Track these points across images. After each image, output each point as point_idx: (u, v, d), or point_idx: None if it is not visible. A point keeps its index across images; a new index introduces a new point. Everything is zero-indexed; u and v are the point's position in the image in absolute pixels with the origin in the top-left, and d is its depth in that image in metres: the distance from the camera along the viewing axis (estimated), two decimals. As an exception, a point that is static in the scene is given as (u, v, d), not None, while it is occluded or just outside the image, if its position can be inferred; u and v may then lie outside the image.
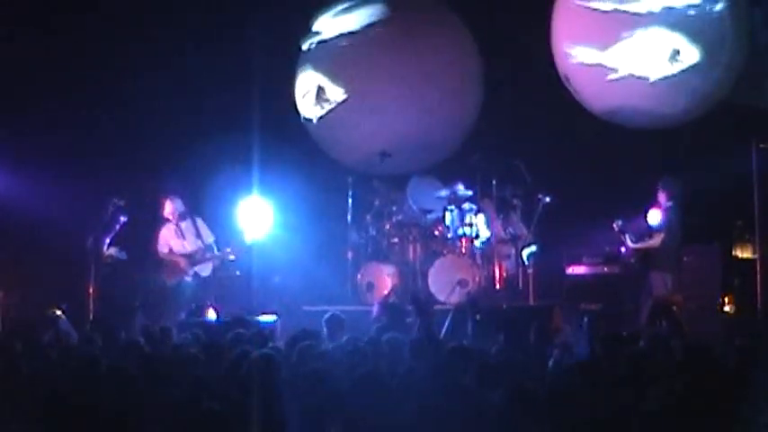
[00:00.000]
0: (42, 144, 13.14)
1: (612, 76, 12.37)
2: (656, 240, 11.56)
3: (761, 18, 12.21)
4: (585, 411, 5.75)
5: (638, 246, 11.64)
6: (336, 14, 14.35)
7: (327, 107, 14.24)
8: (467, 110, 14.13)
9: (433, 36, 13.99)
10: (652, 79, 12.28)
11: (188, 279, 12.28)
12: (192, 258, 12.30)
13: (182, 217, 12.41)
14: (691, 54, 12.12)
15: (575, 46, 12.49)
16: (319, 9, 14.41)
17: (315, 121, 14.39)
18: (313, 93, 14.33)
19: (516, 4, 13.04)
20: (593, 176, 12.00)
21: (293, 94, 14.53)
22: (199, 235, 12.37)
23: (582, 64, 12.45)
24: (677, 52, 12.11)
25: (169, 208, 12.41)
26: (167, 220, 12.45)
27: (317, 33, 14.38)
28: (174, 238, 12.41)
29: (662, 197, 11.71)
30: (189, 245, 12.37)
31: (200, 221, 12.49)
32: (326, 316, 9.24)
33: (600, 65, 12.36)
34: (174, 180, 13.05)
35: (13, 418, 5.49)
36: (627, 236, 11.69)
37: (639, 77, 12.29)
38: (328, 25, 14.34)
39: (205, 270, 12.42)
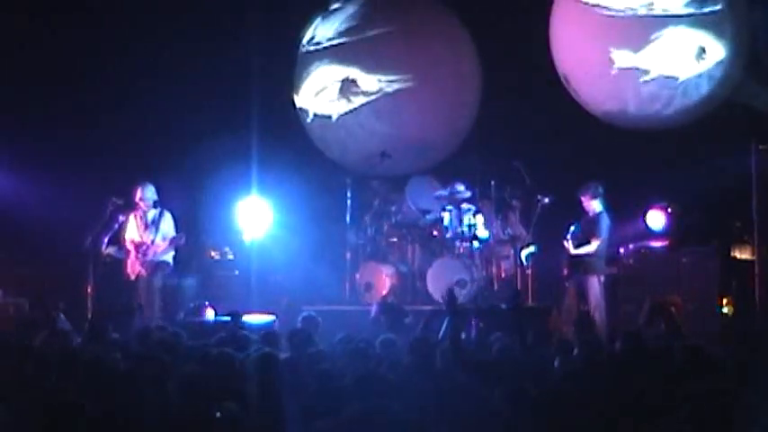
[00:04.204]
0: (42, 144, 13.14)
1: (645, 77, 12.41)
2: (592, 246, 11.58)
3: (761, 18, 12.21)
4: (585, 412, 5.75)
5: (579, 251, 11.65)
6: (333, 13, 14.36)
7: (359, 100, 14.13)
8: (466, 110, 14.13)
9: (431, 36, 13.99)
10: (681, 78, 12.33)
11: (144, 274, 11.86)
12: (141, 248, 11.84)
13: (153, 205, 11.97)
14: (716, 50, 12.19)
15: (615, 50, 12.51)
16: (319, 8, 14.43)
17: (335, 118, 14.29)
18: (335, 88, 14.20)
19: (516, 4, 13.04)
20: (593, 177, 11.99)
21: (292, 95, 14.51)
22: (157, 228, 11.90)
23: (619, 69, 12.49)
24: (703, 50, 12.16)
25: (139, 194, 11.90)
26: (137, 206, 11.95)
27: (318, 32, 14.37)
28: (135, 228, 11.95)
29: (587, 204, 11.72)
30: (144, 235, 11.90)
31: (167, 216, 12.01)
32: (301, 315, 9.26)
33: (635, 68, 12.40)
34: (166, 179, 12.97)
35: (13, 418, 5.50)
36: (570, 242, 11.70)
37: (669, 77, 12.35)
38: (326, 26, 14.35)
39: (164, 256, 11.97)
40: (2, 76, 13.01)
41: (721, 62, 12.24)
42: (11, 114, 13.05)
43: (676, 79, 12.34)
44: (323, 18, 14.43)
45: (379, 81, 13.93)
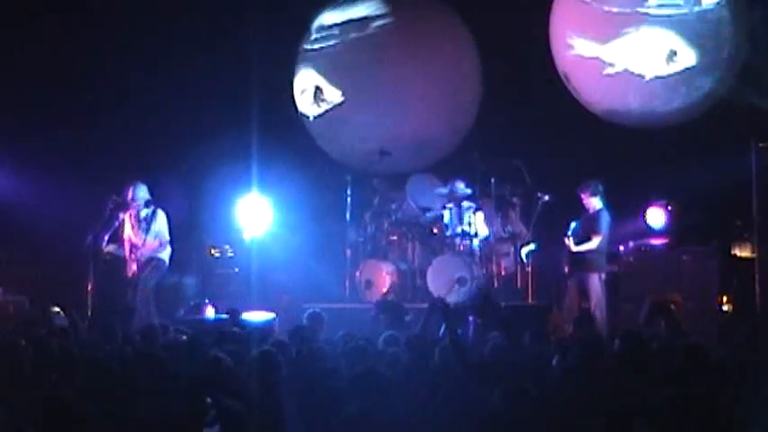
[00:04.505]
0: (42, 144, 13.13)
1: (609, 70, 12.43)
2: (593, 243, 11.60)
3: (761, 17, 12.21)
4: (584, 411, 5.75)
5: (579, 248, 11.66)
6: (335, 10, 14.40)
7: (324, 107, 14.32)
8: (466, 109, 14.15)
9: (432, 35, 14.01)
10: (647, 77, 12.34)
11: (137, 273, 11.77)
12: (134, 248, 11.81)
13: (145, 205, 11.90)
14: (687, 56, 12.21)
15: (575, 37, 12.54)
16: (319, 8, 14.45)
17: (311, 119, 14.44)
18: (311, 92, 14.38)
19: (516, 4, 13.04)
20: (593, 174, 12.00)
21: (292, 92, 14.56)
22: (149, 227, 11.86)
23: (580, 57, 12.52)
24: (674, 53, 12.18)
25: (131, 194, 11.83)
26: (130, 205, 11.88)
27: (319, 31, 14.41)
28: (129, 227, 11.90)
29: (587, 201, 11.74)
30: (136, 235, 11.85)
31: (160, 215, 11.92)
32: (307, 312, 9.28)
33: (597, 58, 12.42)
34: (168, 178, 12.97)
35: (13, 417, 5.50)
36: (570, 239, 11.71)
37: (635, 74, 12.36)
38: (328, 21, 14.38)
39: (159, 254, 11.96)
40: (2, 76, 13.01)
41: (692, 68, 12.26)
42: (11, 114, 13.06)
43: (642, 77, 12.38)
44: (324, 12, 14.47)
45: (336, 93, 14.16)
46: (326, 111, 14.38)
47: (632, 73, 12.39)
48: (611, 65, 12.43)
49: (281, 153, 13.60)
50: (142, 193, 11.91)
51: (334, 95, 14.27)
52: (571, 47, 12.57)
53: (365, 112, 14.02)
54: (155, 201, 11.97)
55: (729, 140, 12.02)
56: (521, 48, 13.12)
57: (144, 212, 11.91)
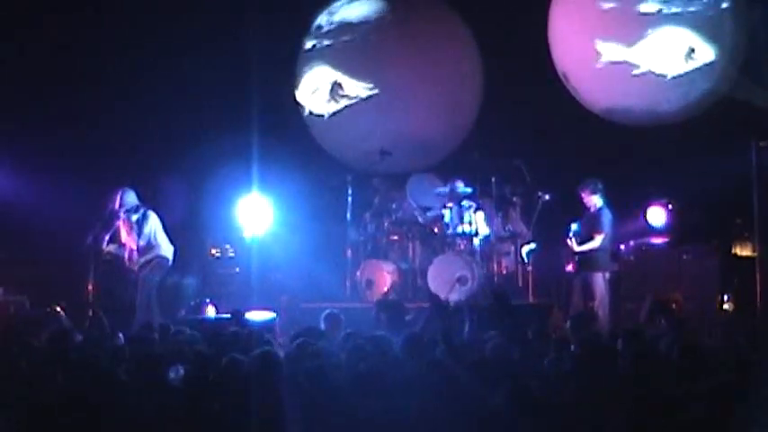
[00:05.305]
0: (42, 143, 13.13)
1: (634, 72, 12.44)
2: (596, 241, 11.61)
3: (761, 17, 12.22)
4: (583, 411, 5.75)
5: (583, 248, 11.66)
6: (336, 10, 14.41)
7: (344, 102, 14.25)
8: (466, 109, 14.15)
9: (432, 35, 14.01)
10: (669, 76, 12.35)
11: (138, 273, 11.81)
12: (131, 253, 11.83)
13: (134, 210, 11.89)
14: (705, 53, 12.22)
15: (601, 43, 12.54)
16: (319, 7, 14.45)
17: (326, 117, 14.39)
18: (326, 89, 14.31)
19: (516, 4, 13.04)
20: (594, 173, 12.00)
21: (293, 92, 14.55)
22: (141, 230, 11.83)
23: (610, 62, 12.53)
24: (692, 50, 12.21)
25: (118, 201, 11.82)
26: (119, 211, 11.86)
27: (319, 29, 14.42)
28: (124, 234, 11.91)
29: (588, 200, 11.75)
30: (129, 239, 11.85)
31: (151, 216, 11.91)
32: (325, 313, 9.29)
33: (626, 62, 12.43)
34: (165, 177, 12.97)
35: (11, 418, 5.50)
36: (573, 240, 11.71)
37: (658, 75, 12.38)
38: (328, 21, 14.38)
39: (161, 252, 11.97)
40: (2, 76, 13.01)
41: (710, 64, 12.27)
42: (11, 114, 13.05)
43: (665, 76, 12.38)
44: (325, 12, 14.48)
45: (360, 87, 14.08)
46: (346, 106, 14.31)
47: (655, 73, 12.40)
48: (636, 66, 12.44)
49: (282, 153, 13.60)
50: (130, 198, 11.92)
51: (357, 90, 14.18)
52: (599, 54, 12.55)
53: (368, 109, 14.04)
54: (145, 203, 11.98)
55: (729, 140, 12.01)
56: (521, 48, 13.11)
57: (135, 217, 11.92)
